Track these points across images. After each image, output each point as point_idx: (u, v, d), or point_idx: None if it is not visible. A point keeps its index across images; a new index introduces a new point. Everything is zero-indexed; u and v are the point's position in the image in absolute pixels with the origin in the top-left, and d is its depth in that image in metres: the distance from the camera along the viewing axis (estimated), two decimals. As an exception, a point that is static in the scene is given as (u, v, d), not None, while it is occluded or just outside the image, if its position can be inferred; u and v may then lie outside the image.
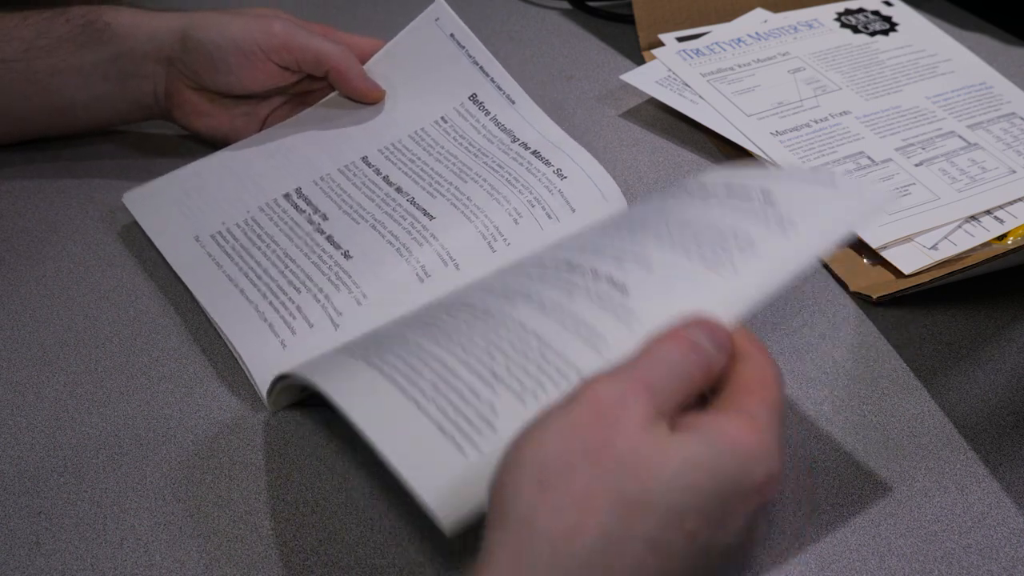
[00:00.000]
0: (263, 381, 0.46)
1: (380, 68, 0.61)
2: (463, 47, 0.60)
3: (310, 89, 0.62)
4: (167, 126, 0.63)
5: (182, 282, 0.52)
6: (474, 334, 0.38)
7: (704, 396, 0.35)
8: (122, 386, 0.48)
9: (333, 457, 0.45)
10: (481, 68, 0.59)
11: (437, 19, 0.61)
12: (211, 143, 0.61)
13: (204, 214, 0.55)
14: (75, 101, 0.59)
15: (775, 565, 0.40)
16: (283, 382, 0.44)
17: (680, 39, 0.74)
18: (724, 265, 0.37)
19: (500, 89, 0.59)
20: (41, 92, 0.58)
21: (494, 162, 0.56)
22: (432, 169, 0.56)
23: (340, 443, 0.45)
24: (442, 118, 0.59)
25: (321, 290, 0.50)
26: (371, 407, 0.37)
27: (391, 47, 0.61)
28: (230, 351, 0.49)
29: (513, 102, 0.58)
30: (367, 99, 0.60)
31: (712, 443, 0.31)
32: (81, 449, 0.45)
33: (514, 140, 0.57)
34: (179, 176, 0.57)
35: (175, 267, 0.53)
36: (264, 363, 0.47)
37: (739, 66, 0.70)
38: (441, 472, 0.34)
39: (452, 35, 0.60)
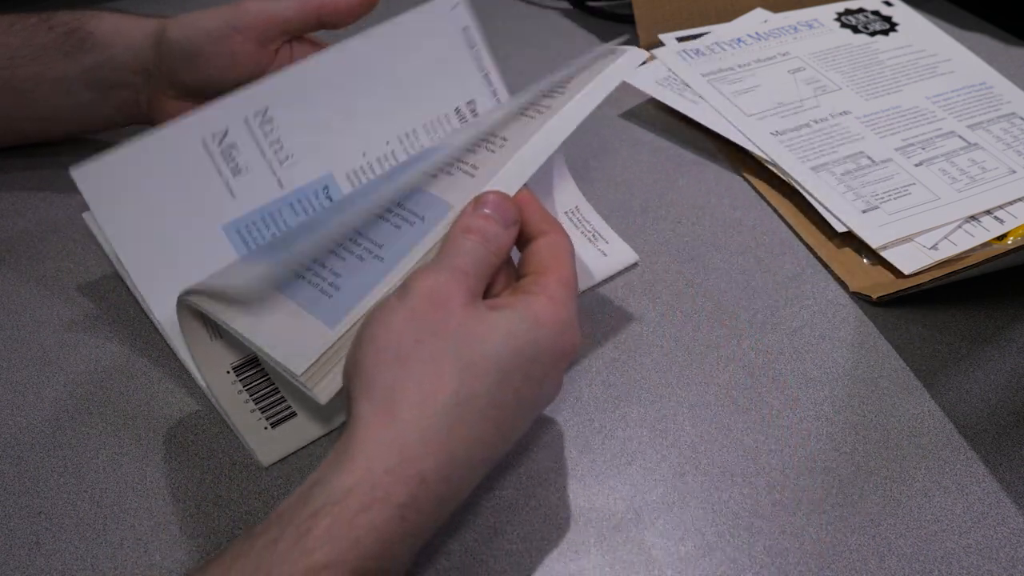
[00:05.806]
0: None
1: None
2: (472, 47, 0.59)
3: None
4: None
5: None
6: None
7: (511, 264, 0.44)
8: (122, 386, 0.48)
9: (333, 457, 0.45)
10: (486, 76, 0.58)
11: (454, 7, 0.59)
12: None
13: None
14: (60, 109, 0.58)
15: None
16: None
17: (680, 39, 0.74)
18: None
19: (498, 101, 0.58)
20: (25, 101, 0.57)
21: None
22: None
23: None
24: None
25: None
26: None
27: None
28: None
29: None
30: (365, 8, 0.57)
31: (524, 318, 0.39)
32: (81, 449, 0.45)
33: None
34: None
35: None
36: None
37: (739, 66, 0.70)
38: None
39: (465, 29, 0.59)
